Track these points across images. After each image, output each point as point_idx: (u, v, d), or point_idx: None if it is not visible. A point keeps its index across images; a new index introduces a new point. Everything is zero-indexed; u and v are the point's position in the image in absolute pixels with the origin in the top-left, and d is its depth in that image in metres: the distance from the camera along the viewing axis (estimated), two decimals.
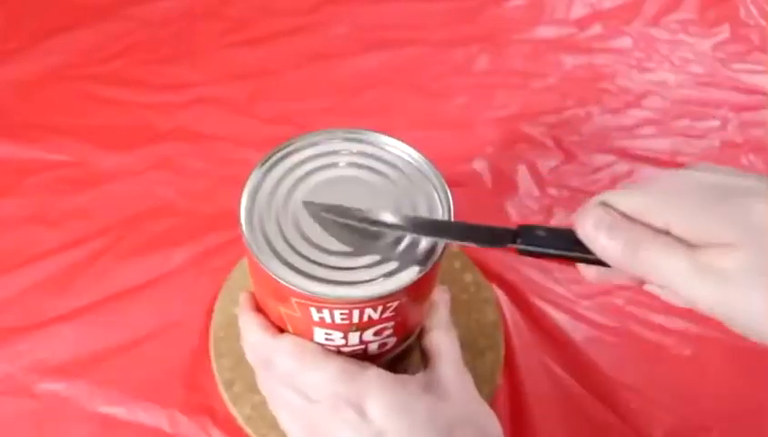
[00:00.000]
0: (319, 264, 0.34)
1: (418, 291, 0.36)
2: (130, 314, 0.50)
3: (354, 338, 0.37)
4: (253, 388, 0.43)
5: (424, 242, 0.35)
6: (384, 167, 0.38)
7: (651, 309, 0.53)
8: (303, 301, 0.34)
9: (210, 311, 0.49)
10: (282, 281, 0.33)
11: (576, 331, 0.51)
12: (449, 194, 0.37)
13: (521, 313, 0.52)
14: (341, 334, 0.36)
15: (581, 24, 0.76)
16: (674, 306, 0.31)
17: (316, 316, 0.35)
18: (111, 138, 0.60)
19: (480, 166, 0.61)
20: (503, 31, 0.74)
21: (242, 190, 0.36)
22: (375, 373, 0.36)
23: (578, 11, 0.77)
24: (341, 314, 0.34)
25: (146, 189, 0.57)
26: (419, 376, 0.38)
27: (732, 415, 0.48)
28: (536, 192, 0.60)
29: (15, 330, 0.48)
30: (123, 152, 0.59)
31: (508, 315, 0.51)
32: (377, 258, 0.35)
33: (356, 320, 0.35)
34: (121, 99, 0.64)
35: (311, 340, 0.37)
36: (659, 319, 0.52)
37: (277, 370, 0.38)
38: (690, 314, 0.52)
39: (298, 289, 0.33)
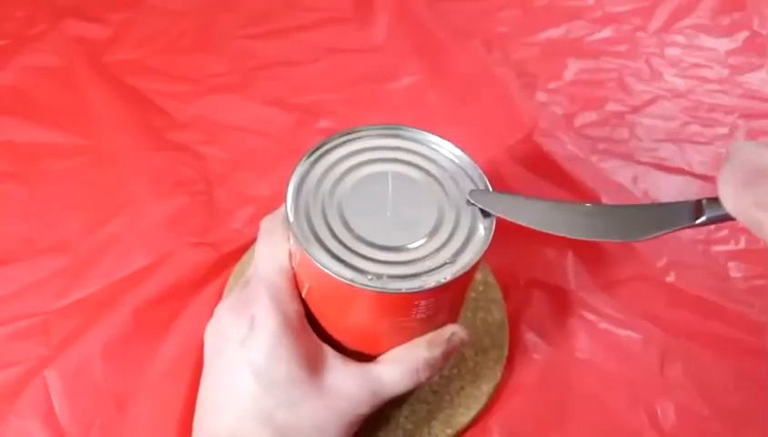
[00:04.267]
0: (362, 256, 0.35)
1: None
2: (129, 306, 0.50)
3: None
4: None
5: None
6: (428, 165, 0.39)
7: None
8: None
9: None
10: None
11: None
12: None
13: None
14: None
15: (592, 27, 0.76)
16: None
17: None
18: (130, 126, 0.62)
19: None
20: (512, 33, 0.75)
21: (288, 181, 0.37)
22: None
23: (589, 14, 0.77)
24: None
25: (164, 178, 0.59)
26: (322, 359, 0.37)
27: (732, 414, 0.49)
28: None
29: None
30: (141, 140, 0.61)
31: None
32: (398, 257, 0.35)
33: None
34: (141, 88, 0.65)
35: None
36: None
37: None
38: (689, 313, 0.53)
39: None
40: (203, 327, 0.47)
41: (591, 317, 0.53)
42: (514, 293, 0.54)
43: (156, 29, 0.71)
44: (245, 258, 0.53)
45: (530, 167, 0.61)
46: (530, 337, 0.52)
